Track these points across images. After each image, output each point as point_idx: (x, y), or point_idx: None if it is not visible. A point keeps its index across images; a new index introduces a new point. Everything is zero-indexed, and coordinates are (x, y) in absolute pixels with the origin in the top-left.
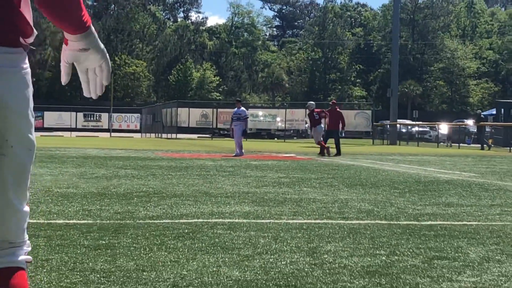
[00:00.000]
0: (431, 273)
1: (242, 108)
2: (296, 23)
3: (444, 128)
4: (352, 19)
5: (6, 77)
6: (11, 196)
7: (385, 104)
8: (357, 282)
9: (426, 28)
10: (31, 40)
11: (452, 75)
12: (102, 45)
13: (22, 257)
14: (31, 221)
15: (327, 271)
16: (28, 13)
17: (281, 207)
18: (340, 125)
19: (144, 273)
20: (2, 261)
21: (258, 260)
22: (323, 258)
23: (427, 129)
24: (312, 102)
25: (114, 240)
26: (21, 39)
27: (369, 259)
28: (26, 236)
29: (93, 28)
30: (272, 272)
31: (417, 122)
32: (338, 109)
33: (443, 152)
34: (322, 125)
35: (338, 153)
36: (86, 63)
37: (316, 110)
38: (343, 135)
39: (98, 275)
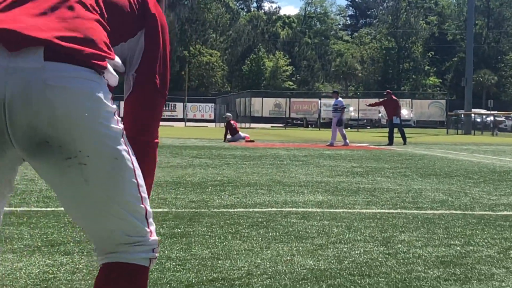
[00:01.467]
0: (507, 263)
1: (340, 99)
2: (369, 12)
3: None
4: (425, 9)
5: (68, 93)
6: (108, 200)
7: (459, 94)
8: (431, 272)
9: (501, 16)
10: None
11: None
12: None
13: (142, 255)
14: None
15: (401, 260)
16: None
17: (354, 196)
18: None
19: (219, 261)
20: (122, 256)
21: (331, 249)
22: (397, 247)
23: (503, 118)
24: (229, 114)
25: (189, 228)
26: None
27: (444, 249)
28: (148, 235)
29: None
30: (346, 262)
31: (492, 112)
32: (394, 97)
33: None
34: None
35: (391, 142)
36: None
37: (233, 121)
38: (399, 122)
39: (173, 263)
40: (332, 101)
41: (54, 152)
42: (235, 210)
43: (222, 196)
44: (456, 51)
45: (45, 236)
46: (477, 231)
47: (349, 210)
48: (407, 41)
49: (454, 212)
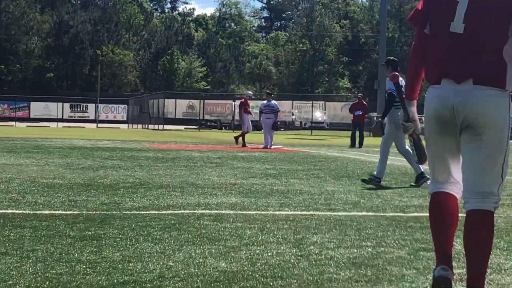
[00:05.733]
0: (417, 264)
1: (273, 101)
2: (284, 15)
3: None
4: (340, 11)
5: (484, 102)
6: (489, 163)
7: (373, 97)
8: (343, 274)
9: None
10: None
11: None
12: None
13: (490, 204)
14: (16, 211)
15: (313, 262)
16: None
17: (267, 198)
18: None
19: (130, 264)
20: (478, 205)
21: (244, 252)
22: (309, 249)
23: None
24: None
25: (100, 231)
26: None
27: (355, 251)
28: (497, 192)
29: None
30: (258, 264)
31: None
32: (364, 102)
33: None
34: None
35: (360, 145)
36: None
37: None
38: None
39: (84, 266)
40: (257, 103)
41: (471, 131)
42: (147, 212)
43: (134, 198)
44: (369, 54)
45: None
46: (389, 233)
47: (262, 212)
48: (322, 43)
49: (366, 213)
